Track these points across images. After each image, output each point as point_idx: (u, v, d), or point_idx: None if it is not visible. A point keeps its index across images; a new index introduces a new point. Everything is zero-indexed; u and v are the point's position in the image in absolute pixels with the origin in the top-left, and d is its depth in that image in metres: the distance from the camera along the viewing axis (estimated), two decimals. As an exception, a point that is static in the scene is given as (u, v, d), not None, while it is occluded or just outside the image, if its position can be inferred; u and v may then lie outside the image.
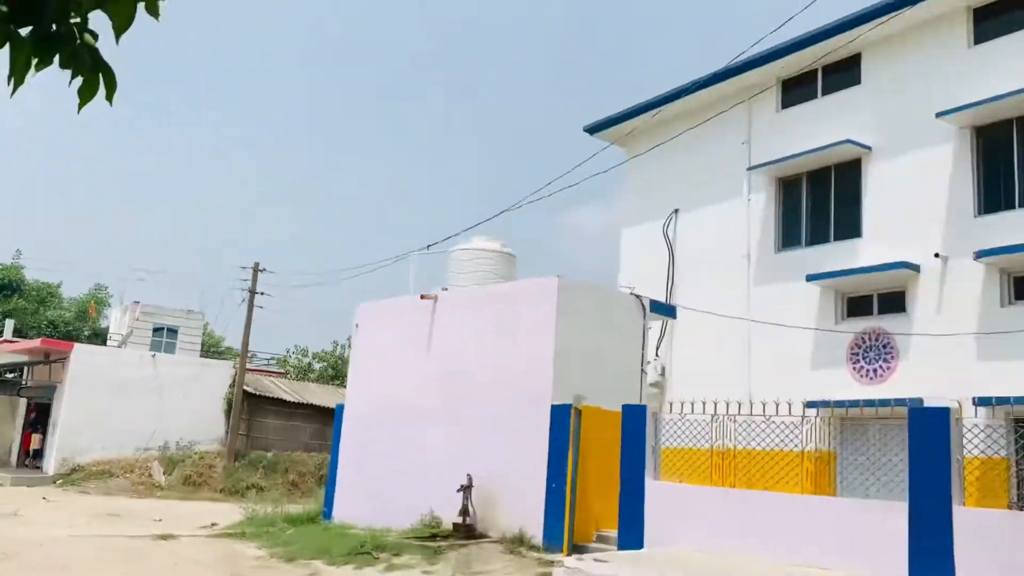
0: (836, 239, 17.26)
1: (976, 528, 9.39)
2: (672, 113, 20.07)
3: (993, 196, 15.14)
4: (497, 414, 13.58)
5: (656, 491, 11.16)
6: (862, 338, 16.22)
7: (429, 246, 17.64)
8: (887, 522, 9.96)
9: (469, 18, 73.51)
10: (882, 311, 16.22)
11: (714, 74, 17.52)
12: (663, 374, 19.53)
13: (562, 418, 12.57)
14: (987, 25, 15.50)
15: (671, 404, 11.95)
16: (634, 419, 11.65)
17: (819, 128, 17.63)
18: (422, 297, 15.74)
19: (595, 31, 70.10)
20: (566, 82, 66.74)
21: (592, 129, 22.37)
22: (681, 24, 66.21)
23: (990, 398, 12.66)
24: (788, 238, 18.28)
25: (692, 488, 11.15)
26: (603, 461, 12.08)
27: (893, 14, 15.25)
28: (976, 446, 10.81)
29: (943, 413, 10.43)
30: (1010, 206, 14.84)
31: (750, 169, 18.74)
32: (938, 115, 15.31)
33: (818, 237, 17.69)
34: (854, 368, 16.19)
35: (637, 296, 15.04)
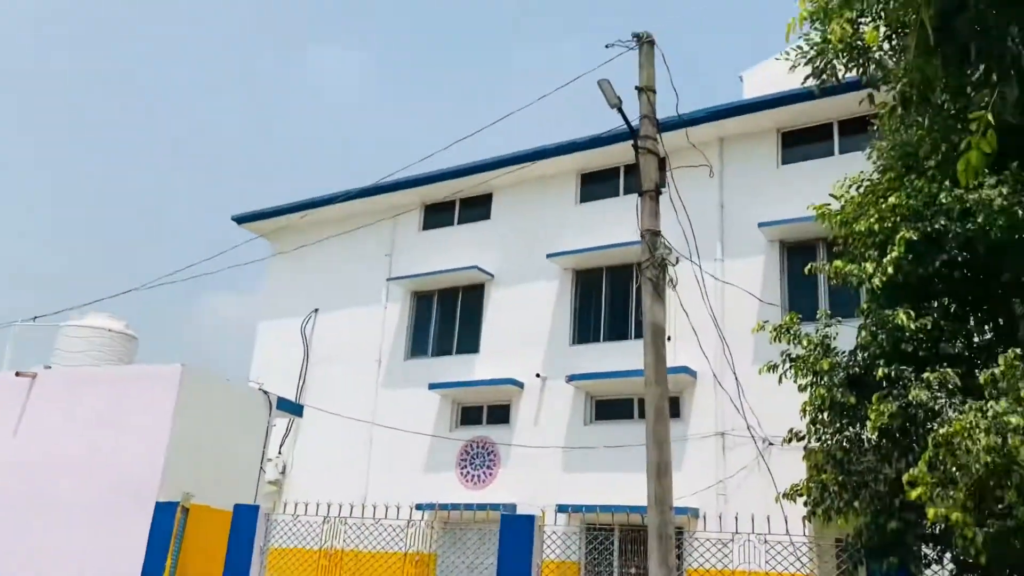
0: (458, 352, 18.91)
1: (546, 623, 10.63)
2: (321, 217, 20.76)
3: (585, 329, 17.83)
4: (94, 510, 12.37)
5: (259, 594, 10.97)
6: (471, 445, 17.75)
7: (35, 318, 15.84)
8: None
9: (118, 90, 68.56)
10: (490, 421, 17.96)
11: (364, 188, 18.61)
12: (284, 472, 19.32)
13: (166, 517, 11.86)
14: (590, 188, 18.64)
15: (285, 504, 11.97)
16: (244, 519, 11.43)
17: (453, 252, 19.46)
18: (17, 374, 14.00)
19: (258, 126, 69.65)
20: (215, 168, 64.84)
21: (241, 219, 22.22)
22: (341, 133, 68.60)
23: (568, 506, 14.56)
24: (417, 347, 19.58)
25: (297, 591, 11.14)
26: (209, 562, 11.57)
27: (518, 166, 17.71)
28: (555, 551, 12.33)
29: (529, 520, 11.78)
30: (596, 339, 17.59)
31: (389, 280, 19.97)
32: (548, 256, 17.87)
33: (443, 349, 19.23)
34: (462, 473, 17.58)
35: (265, 392, 14.93)
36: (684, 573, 12.27)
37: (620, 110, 9.21)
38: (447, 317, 19.50)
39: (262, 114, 69.20)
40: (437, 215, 20.48)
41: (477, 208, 19.90)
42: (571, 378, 16.73)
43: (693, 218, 10.40)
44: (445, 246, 19.80)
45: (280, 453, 19.33)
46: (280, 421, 17.90)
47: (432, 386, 18.16)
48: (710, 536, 10.29)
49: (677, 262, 9.41)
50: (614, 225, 16.93)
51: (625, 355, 16.11)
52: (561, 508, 14.14)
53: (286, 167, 64.42)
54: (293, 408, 16.49)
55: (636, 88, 9.46)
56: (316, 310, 20.96)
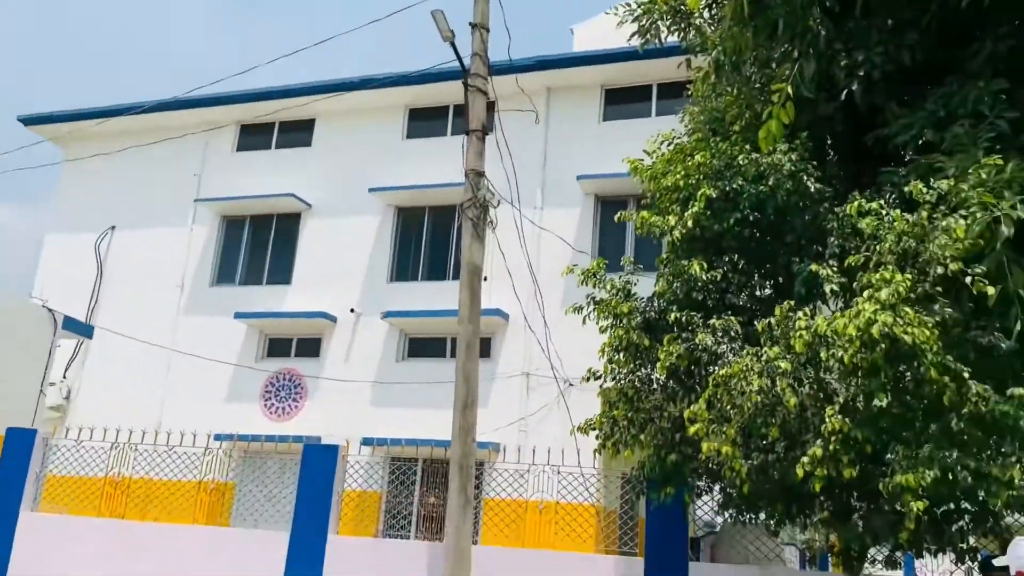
0: (268, 283, 18.28)
1: (345, 554, 10.74)
2: (124, 126, 19.07)
3: (403, 267, 17.78)
4: None
5: (31, 522, 10.27)
6: (277, 377, 17.34)
7: None
8: (269, 551, 10.75)
9: None
10: (299, 354, 17.60)
11: (172, 100, 17.32)
12: (68, 397, 18.01)
13: (-75, 439, 10.77)
14: (418, 125, 18.40)
15: (68, 430, 11.21)
16: (18, 444, 10.60)
17: (269, 177, 18.63)
18: None
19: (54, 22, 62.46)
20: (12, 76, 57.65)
21: (29, 120, 20.07)
22: (150, 39, 62.96)
23: (373, 439, 14.63)
24: (224, 274, 18.71)
25: (77, 519, 10.53)
26: (-27, 491, 10.66)
27: (344, 93, 17.14)
28: (357, 481, 12.42)
29: (332, 450, 11.76)
30: (415, 278, 17.60)
31: (197, 201, 18.85)
32: (370, 190, 17.55)
33: (252, 278, 18.50)
34: (266, 405, 17.17)
35: (49, 310, 13.79)
36: (482, 502, 12.78)
37: (453, 44, 9.16)
38: (259, 245, 18.74)
39: (69, 20, 62.30)
40: (254, 136, 19.47)
41: (298, 133, 19.12)
42: (387, 315, 16.69)
43: (517, 165, 10.59)
44: (261, 170, 18.91)
45: (65, 377, 17.96)
46: (66, 343, 16.61)
47: (239, 315, 17.49)
48: (508, 467, 10.78)
49: (498, 204, 9.58)
50: (440, 164, 16.85)
51: (442, 295, 16.27)
52: (366, 441, 14.21)
53: (95, 75, 58.63)
54: (82, 329, 15.38)
55: (470, 24, 9.42)
56: (113, 227, 19.44)
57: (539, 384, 15.25)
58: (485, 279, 10.26)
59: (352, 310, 17.29)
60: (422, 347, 17.07)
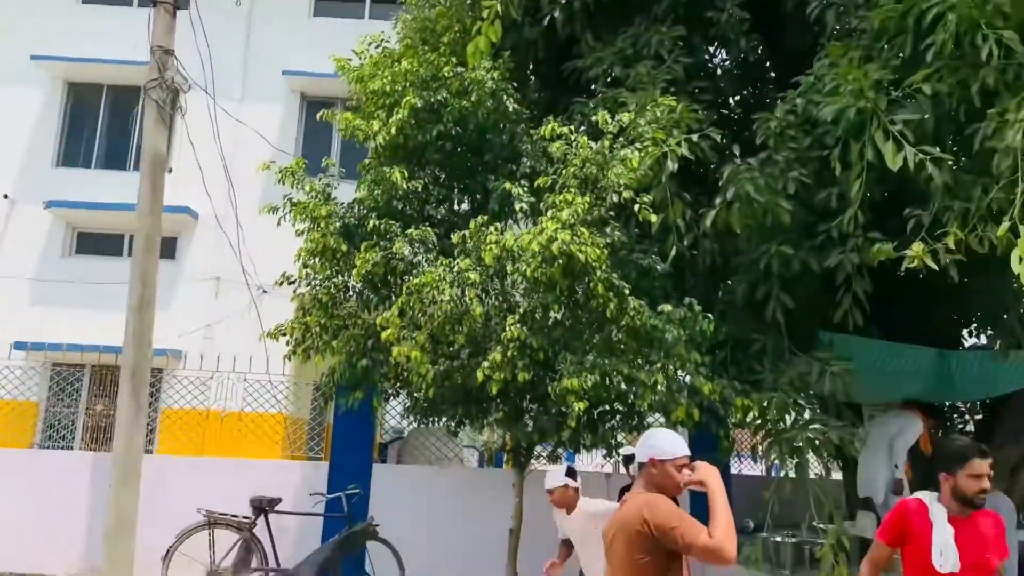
0: None
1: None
2: None
3: (74, 152, 15.70)
4: None
5: None
6: (-96, 270, 14.64)
7: None
8: None
9: None
10: (-65, 244, 14.98)
11: None
12: None
13: None
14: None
15: None
16: None
17: None
18: None
19: None
20: None
21: None
22: None
23: (28, 343, 13.01)
24: None
25: None
26: None
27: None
28: (7, 389, 11.02)
29: (-26, 354, 10.32)
30: (88, 165, 15.64)
31: None
32: (33, 58, 15.11)
33: None
34: None
35: None
36: (159, 412, 12.01)
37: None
38: None
39: None
40: None
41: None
42: (50, 204, 14.71)
43: (215, 51, 9.64)
44: None
45: None
46: None
47: None
48: (190, 375, 10.20)
49: (189, 89, 8.71)
50: (124, 38, 14.83)
51: (121, 186, 14.59)
52: (19, 345, 12.63)
53: None
54: None
55: None
56: None
57: (230, 289, 14.44)
58: (171, 171, 9.38)
59: (5, 196, 15.01)
60: (94, 243, 15.35)
